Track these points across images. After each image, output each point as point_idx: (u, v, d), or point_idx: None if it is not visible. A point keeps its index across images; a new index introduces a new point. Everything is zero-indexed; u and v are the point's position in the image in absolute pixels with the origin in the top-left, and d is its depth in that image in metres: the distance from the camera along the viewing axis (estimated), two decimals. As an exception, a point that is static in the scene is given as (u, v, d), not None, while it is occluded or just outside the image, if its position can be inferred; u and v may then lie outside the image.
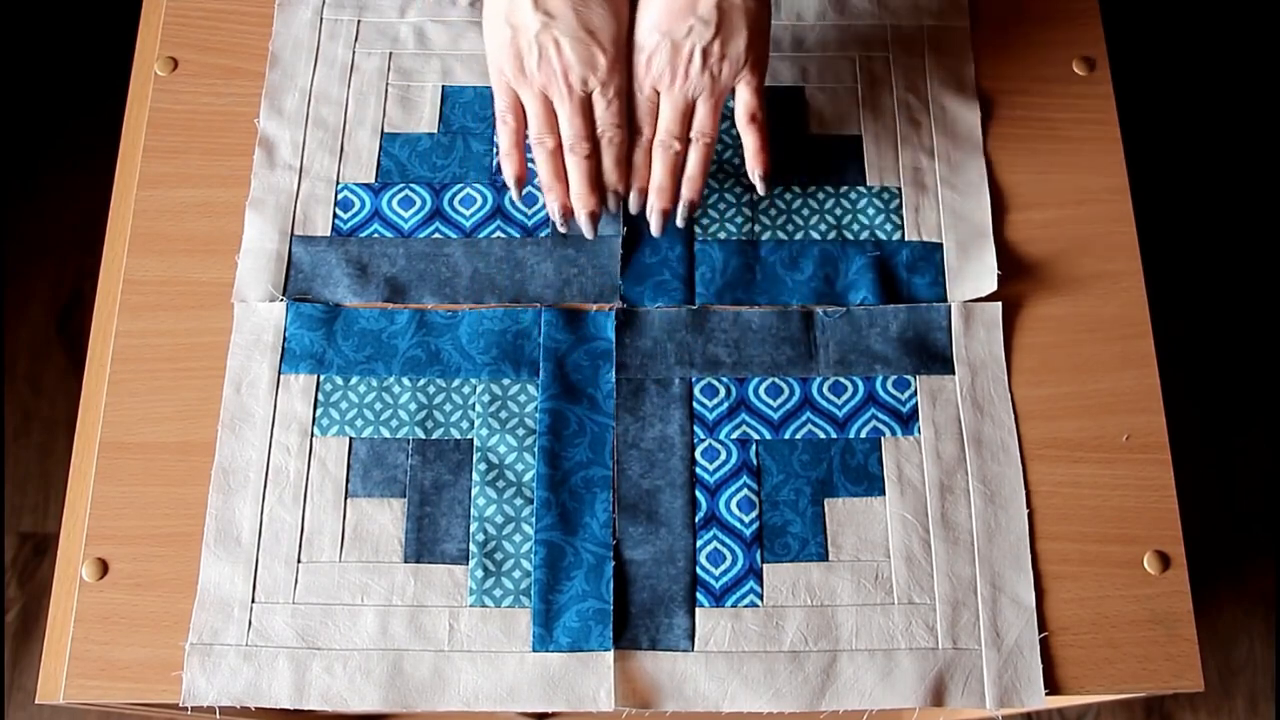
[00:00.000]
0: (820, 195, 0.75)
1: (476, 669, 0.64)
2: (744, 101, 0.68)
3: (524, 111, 0.68)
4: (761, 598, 0.65)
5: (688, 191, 0.69)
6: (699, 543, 0.67)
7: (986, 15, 0.81)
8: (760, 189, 0.69)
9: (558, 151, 0.68)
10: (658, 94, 0.67)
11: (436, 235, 0.74)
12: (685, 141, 0.68)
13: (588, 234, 0.69)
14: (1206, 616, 1.32)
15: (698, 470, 0.68)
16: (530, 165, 0.71)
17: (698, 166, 0.68)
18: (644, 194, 0.69)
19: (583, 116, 0.66)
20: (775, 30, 0.80)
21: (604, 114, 0.66)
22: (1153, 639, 0.65)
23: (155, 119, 0.77)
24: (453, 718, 1.03)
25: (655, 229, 0.69)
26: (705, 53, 0.65)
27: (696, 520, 0.67)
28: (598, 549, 0.66)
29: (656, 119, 0.68)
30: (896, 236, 0.74)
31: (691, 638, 0.64)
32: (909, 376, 0.70)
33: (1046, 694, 0.64)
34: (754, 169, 0.69)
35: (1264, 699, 1.31)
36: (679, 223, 0.70)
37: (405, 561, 0.66)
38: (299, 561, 0.66)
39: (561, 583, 0.65)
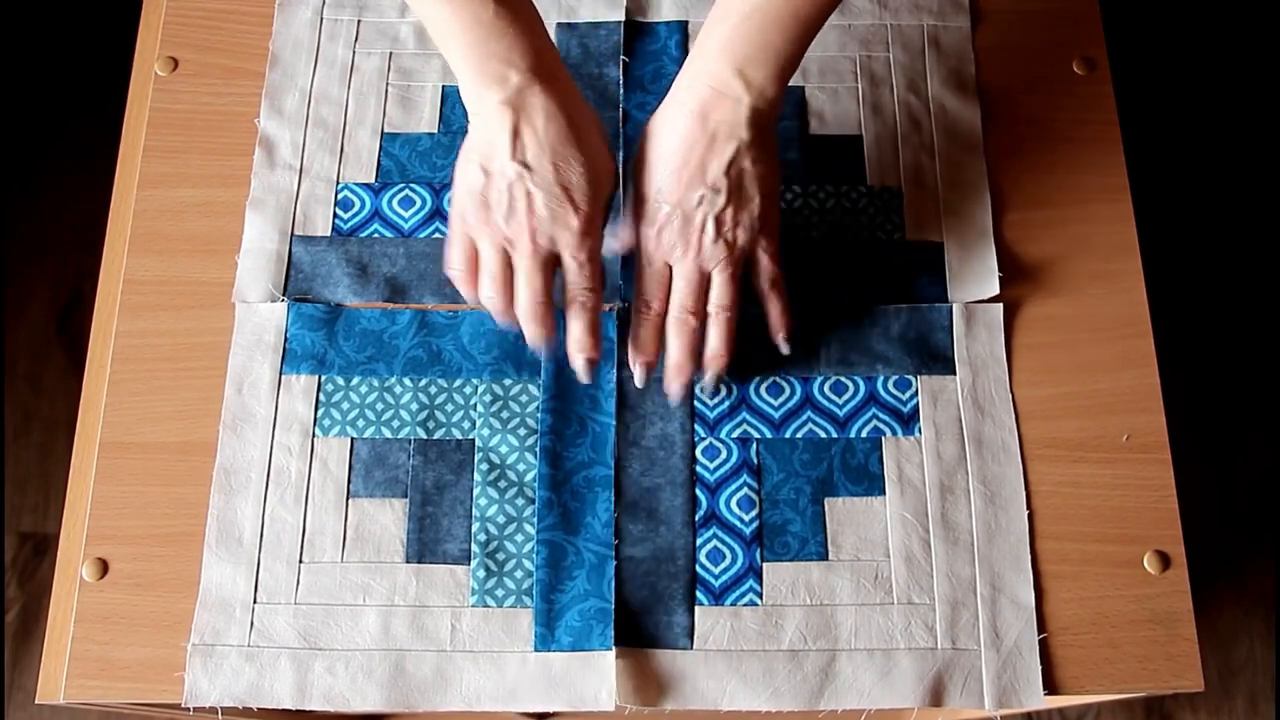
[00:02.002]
0: (820, 195, 0.75)
1: (478, 669, 0.64)
2: (763, 268, 0.65)
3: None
4: (761, 596, 0.65)
5: (713, 367, 0.66)
6: (699, 541, 0.67)
7: (986, 15, 0.81)
8: (784, 350, 0.67)
9: (509, 310, 0.64)
10: (669, 267, 0.64)
11: (437, 235, 0.74)
12: (702, 315, 0.65)
13: (583, 379, 0.66)
14: (1206, 616, 1.32)
15: (698, 469, 0.68)
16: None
17: (721, 342, 0.65)
18: (649, 368, 0.66)
19: (542, 276, 0.62)
20: (775, 30, 0.80)
21: (576, 277, 0.63)
22: (1153, 639, 0.65)
23: (155, 119, 0.77)
24: (454, 718, 1.03)
25: (675, 399, 0.68)
26: (719, 222, 0.62)
27: (696, 519, 0.67)
28: (599, 548, 0.66)
29: (667, 292, 0.65)
30: (897, 236, 0.74)
31: (691, 636, 0.64)
32: (910, 376, 0.70)
33: (1046, 694, 0.64)
34: (778, 333, 0.67)
35: (1264, 699, 1.31)
36: (707, 396, 0.69)
37: (407, 562, 0.66)
38: (301, 562, 0.66)
39: (563, 582, 0.65)
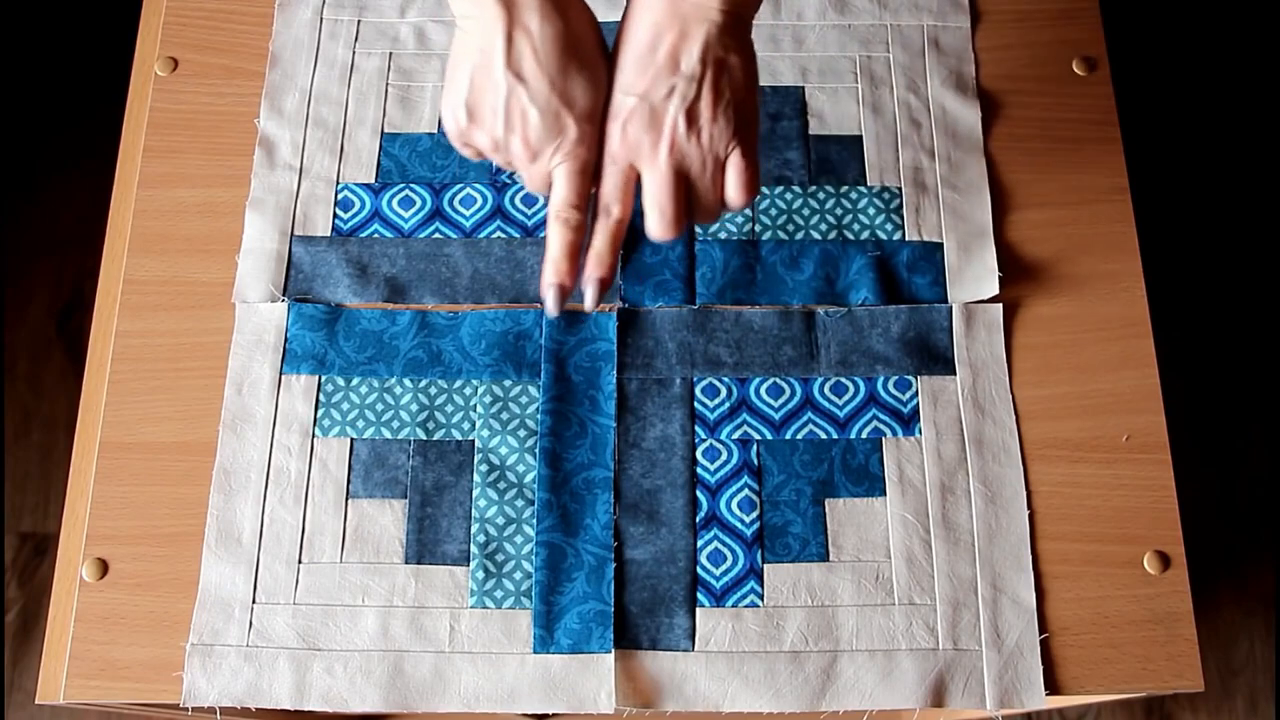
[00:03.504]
0: (820, 195, 0.75)
1: (477, 670, 0.64)
2: (739, 172, 0.58)
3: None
4: (762, 598, 0.65)
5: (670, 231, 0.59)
6: (700, 543, 0.67)
7: (986, 15, 0.81)
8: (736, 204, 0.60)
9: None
10: (634, 169, 0.58)
11: (437, 235, 0.74)
12: (683, 222, 0.59)
13: (550, 310, 0.60)
14: (1206, 616, 1.32)
15: (699, 470, 0.68)
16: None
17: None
18: (604, 284, 0.60)
19: (541, 187, 0.59)
20: (775, 30, 0.80)
21: (563, 190, 0.58)
22: (1153, 639, 0.65)
23: (155, 119, 0.77)
24: (453, 719, 1.03)
25: (592, 303, 0.61)
26: (691, 115, 0.56)
27: (697, 520, 0.67)
28: (599, 550, 0.66)
29: (630, 198, 0.59)
30: (897, 236, 0.74)
31: (692, 638, 0.64)
32: (910, 377, 0.70)
33: (1047, 694, 0.64)
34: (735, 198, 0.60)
35: (1264, 699, 1.31)
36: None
37: (406, 562, 0.66)
38: (300, 562, 0.66)
39: (562, 584, 0.65)
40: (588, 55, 0.57)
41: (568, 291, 0.59)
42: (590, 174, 0.58)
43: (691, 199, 0.59)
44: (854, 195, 0.75)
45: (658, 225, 0.59)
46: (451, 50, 0.58)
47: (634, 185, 0.59)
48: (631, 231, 0.74)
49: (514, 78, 0.55)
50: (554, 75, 0.55)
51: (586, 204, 0.58)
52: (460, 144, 0.60)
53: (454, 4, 0.57)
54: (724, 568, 0.66)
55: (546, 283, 0.59)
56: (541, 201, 0.75)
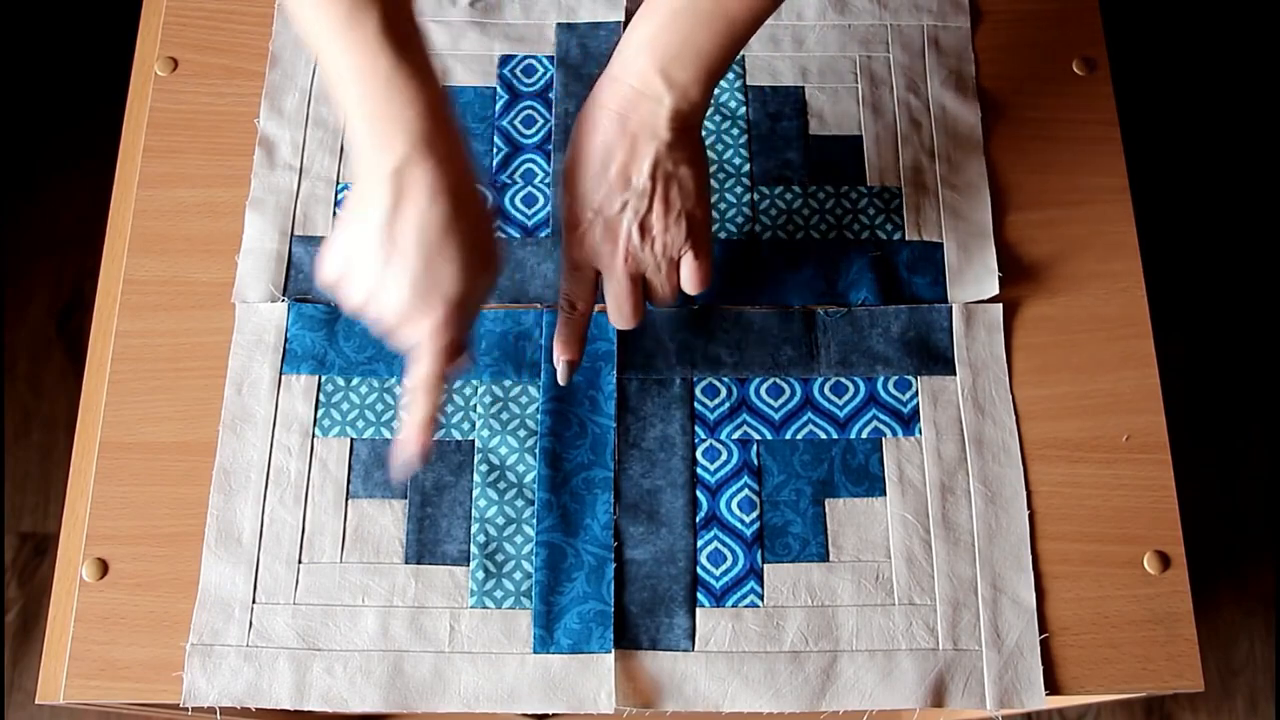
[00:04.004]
0: (820, 195, 0.75)
1: (477, 670, 0.64)
2: (692, 274, 0.63)
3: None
4: (762, 598, 0.65)
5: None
6: (700, 543, 0.67)
7: (986, 15, 0.81)
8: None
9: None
10: (595, 271, 0.63)
11: (437, 235, 0.74)
12: (640, 315, 0.64)
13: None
14: (1206, 616, 1.32)
15: (698, 470, 0.68)
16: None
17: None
18: (573, 366, 0.66)
19: (402, 348, 0.59)
20: (775, 30, 0.80)
21: (423, 366, 0.58)
22: (1153, 639, 0.65)
23: (155, 119, 0.77)
24: (453, 719, 1.03)
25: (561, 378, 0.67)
26: (644, 227, 0.60)
27: (697, 520, 0.67)
28: (599, 550, 0.66)
29: (591, 294, 0.64)
30: (897, 236, 0.74)
31: (692, 638, 0.64)
32: (910, 377, 0.70)
33: (1047, 694, 0.64)
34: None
35: (1264, 699, 1.31)
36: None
37: (406, 562, 0.66)
38: (300, 562, 0.66)
39: (562, 584, 0.65)
40: (473, 242, 0.56)
41: (424, 457, 0.60)
42: (448, 359, 0.58)
43: (648, 293, 0.64)
44: (854, 195, 0.75)
45: (617, 321, 0.64)
46: (345, 201, 0.59)
47: (595, 284, 0.64)
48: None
49: (393, 248, 0.55)
50: (431, 255, 0.55)
51: (441, 385, 0.59)
52: (333, 291, 0.60)
53: (354, 158, 0.57)
54: (724, 568, 0.66)
55: (396, 452, 0.60)
56: (542, 201, 0.75)
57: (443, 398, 0.59)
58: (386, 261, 0.55)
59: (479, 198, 0.58)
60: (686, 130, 0.60)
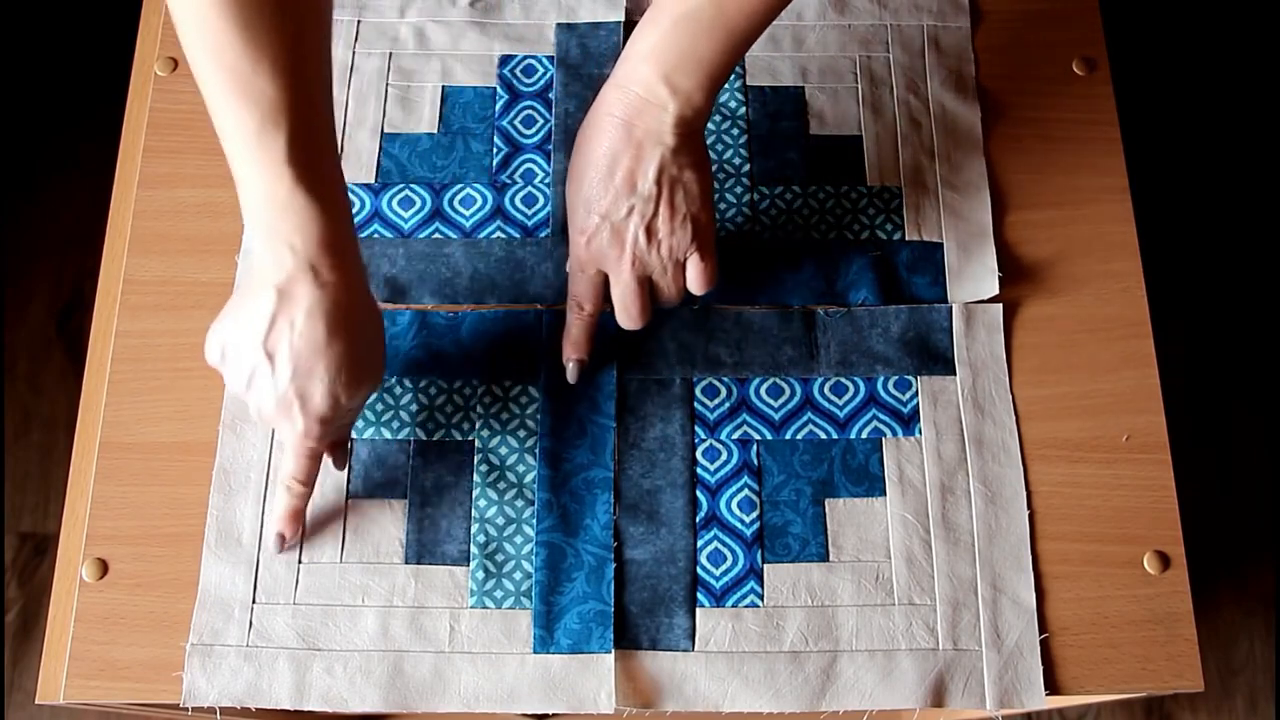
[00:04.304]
0: (820, 195, 0.75)
1: (477, 670, 0.64)
2: (698, 276, 0.64)
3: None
4: (762, 598, 0.65)
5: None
6: (699, 543, 0.67)
7: (986, 15, 0.81)
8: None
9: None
10: (601, 274, 0.65)
11: (436, 235, 0.74)
12: (647, 317, 0.65)
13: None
14: (1206, 616, 1.32)
15: (698, 470, 0.68)
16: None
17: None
18: (582, 364, 0.68)
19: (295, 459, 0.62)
20: (775, 30, 0.80)
21: (288, 465, 0.62)
22: (1153, 639, 0.65)
23: (155, 119, 0.77)
24: (453, 719, 1.03)
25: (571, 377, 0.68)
26: (650, 231, 0.62)
27: (697, 520, 0.67)
28: (598, 550, 0.66)
29: (599, 295, 0.66)
30: (897, 236, 0.74)
31: (692, 638, 0.64)
32: (910, 377, 0.70)
33: (1047, 694, 0.64)
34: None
35: (1264, 699, 1.31)
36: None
37: (406, 563, 0.66)
38: (300, 562, 0.66)
39: (562, 584, 0.65)
40: (343, 362, 0.58)
41: (285, 541, 0.64)
42: (317, 459, 0.62)
43: (654, 294, 0.65)
44: (854, 195, 0.75)
45: (625, 322, 0.66)
46: (239, 283, 0.61)
47: (602, 285, 0.66)
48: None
49: (265, 356, 0.57)
50: (300, 371, 0.57)
51: (311, 481, 0.63)
52: (217, 369, 0.62)
53: (249, 258, 0.59)
54: (724, 568, 0.66)
55: (269, 527, 0.65)
56: (542, 201, 0.75)
57: (309, 494, 0.64)
58: (259, 365, 0.58)
59: (363, 317, 0.60)
60: (691, 135, 0.61)
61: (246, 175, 0.56)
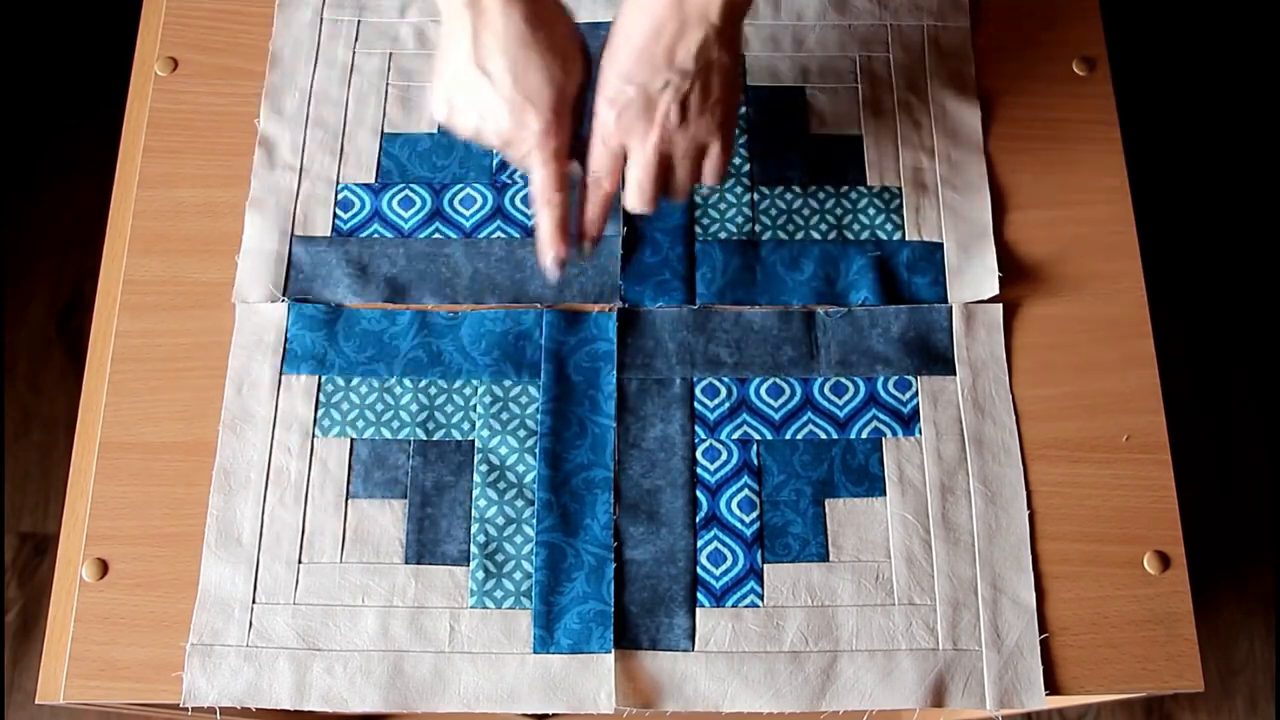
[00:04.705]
0: (820, 195, 0.75)
1: (477, 670, 0.64)
2: (715, 162, 0.64)
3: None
4: (762, 598, 0.65)
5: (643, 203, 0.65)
6: (700, 543, 0.67)
7: (986, 15, 0.81)
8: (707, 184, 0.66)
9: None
10: (624, 147, 0.63)
11: (437, 235, 0.74)
12: (660, 196, 0.65)
13: (551, 277, 0.67)
14: (1206, 616, 1.32)
15: (698, 470, 0.68)
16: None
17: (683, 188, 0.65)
18: (595, 243, 0.66)
19: (523, 167, 0.64)
20: (775, 30, 0.80)
21: (540, 179, 0.63)
22: (1153, 639, 0.65)
23: (155, 119, 0.77)
24: (453, 719, 1.03)
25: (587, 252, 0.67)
26: (683, 107, 0.61)
27: (697, 520, 0.67)
28: (599, 551, 0.66)
29: (619, 171, 0.64)
30: (897, 236, 0.74)
31: (692, 638, 0.64)
32: (910, 377, 0.70)
33: (1047, 694, 0.64)
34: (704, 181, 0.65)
35: (1264, 699, 1.31)
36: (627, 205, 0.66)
37: (406, 563, 0.66)
38: (300, 562, 0.66)
39: (562, 584, 0.65)
40: (555, 45, 0.61)
41: (564, 262, 0.65)
42: (564, 158, 0.63)
43: (667, 181, 0.64)
44: (854, 195, 0.75)
45: (636, 201, 0.64)
46: (439, 41, 0.62)
47: (622, 161, 0.64)
48: (632, 234, 0.74)
49: (480, 73, 0.60)
50: (517, 71, 0.60)
51: (565, 184, 0.63)
52: (449, 127, 0.65)
53: (437, 3, 0.61)
54: (724, 568, 0.66)
55: (543, 255, 0.65)
56: (541, 201, 0.75)
57: (567, 200, 0.63)
58: (479, 88, 0.60)
59: (556, 7, 0.62)
60: (735, 20, 0.60)
61: None
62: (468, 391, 0.70)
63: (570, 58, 0.62)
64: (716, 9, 0.59)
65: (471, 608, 0.65)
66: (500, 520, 0.67)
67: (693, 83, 0.60)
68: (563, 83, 0.61)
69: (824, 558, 0.66)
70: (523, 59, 0.60)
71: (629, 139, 0.63)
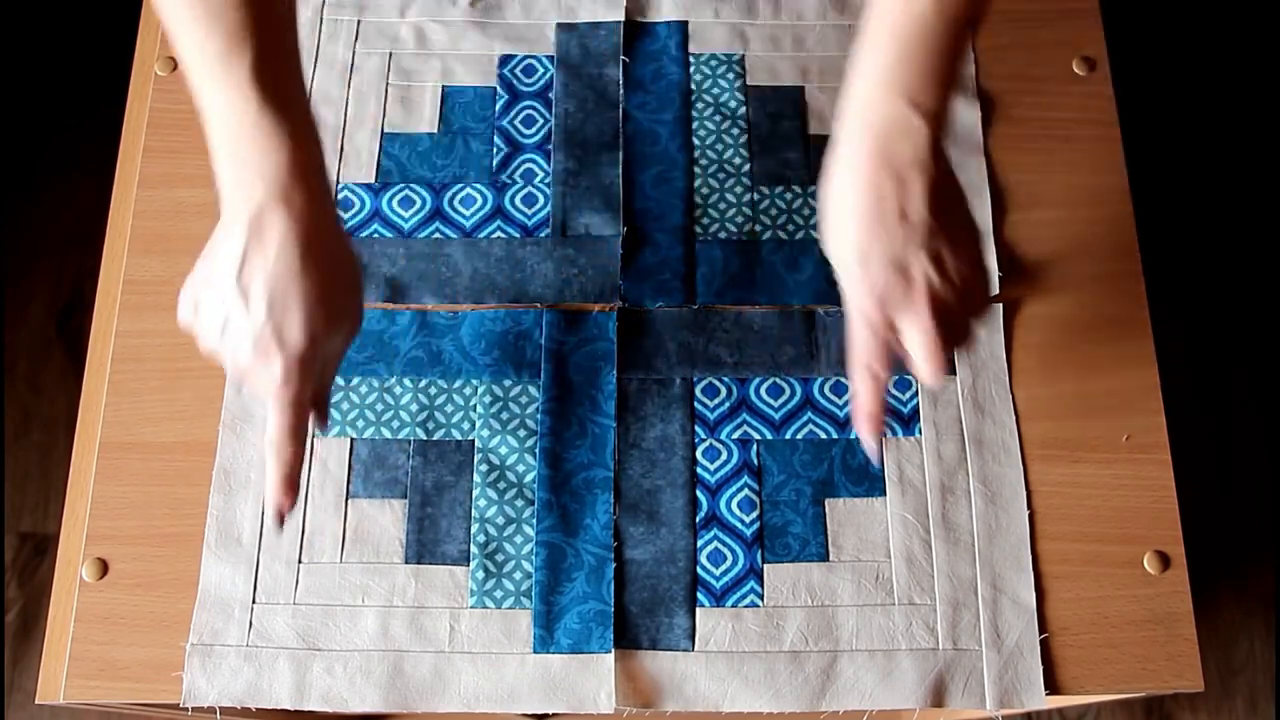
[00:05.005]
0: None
1: (477, 670, 0.64)
2: (980, 293, 0.58)
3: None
4: (762, 598, 0.65)
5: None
6: (700, 543, 0.67)
7: (987, 15, 0.81)
8: (929, 381, 0.58)
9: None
10: (893, 329, 0.56)
11: (436, 235, 0.74)
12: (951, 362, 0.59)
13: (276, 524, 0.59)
14: (1206, 616, 1.32)
15: (699, 470, 0.68)
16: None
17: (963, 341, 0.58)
18: (881, 437, 0.60)
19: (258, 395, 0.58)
20: (775, 30, 0.80)
21: (273, 421, 0.56)
22: (1153, 639, 0.65)
23: (155, 119, 0.77)
24: (453, 719, 1.03)
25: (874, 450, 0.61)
26: (939, 262, 0.55)
27: (697, 520, 0.67)
28: (599, 550, 0.66)
29: (890, 356, 0.57)
30: (897, 237, 0.74)
31: (692, 638, 0.64)
32: (910, 377, 0.70)
33: (1047, 694, 0.64)
34: (943, 356, 0.57)
35: (1264, 699, 1.31)
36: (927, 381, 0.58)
37: (406, 562, 0.66)
38: (300, 562, 0.66)
39: (562, 584, 0.65)
40: (325, 293, 0.55)
41: (284, 516, 0.57)
42: (302, 409, 0.56)
43: (951, 331, 0.57)
44: (854, 195, 0.75)
45: (930, 375, 0.57)
46: (212, 235, 0.57)
47: (893, 344, 0.57)
48: (631, 234, 0.74)
49: (238, 293, 0.54)
50: (275, 306, 0.54)
51: (299, 436, 0.57)
52: (187, 329, 0.59)
53: (219, 197, 0.56)
54: (724, 568, 0.66)
55: (267, 504, 0.57)
56: (542, 200, 0.75)
57: (300, 453, 0.57)
58: (232, 307, 0.55)
59: (338, 250, 0.57)
60: (942, 149, 0.56)
61: (212, 102, 0.54)
62: (468, 391, 0.70)
63: (337, 315, 0.57)
64: (926, 151, 0.55)
65: (471, 608, 0.65)
66: (500, 520, 0.67)
67: (935, 231, 0.55)
68: (320, 335, 0.55)
69: (824, 558, 0.66)
70: (285, 296, 0.54)
71: (897, 314, 0.56)
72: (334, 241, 0.57)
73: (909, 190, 0.55)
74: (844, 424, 0.69)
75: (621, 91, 0.78)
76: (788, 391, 0.70)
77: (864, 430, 0.59)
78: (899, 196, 0.55)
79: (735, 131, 0.77)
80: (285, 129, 0.54)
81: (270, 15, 0.54)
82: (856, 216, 0.55)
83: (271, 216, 0.54)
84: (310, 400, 0.57)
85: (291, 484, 0.57)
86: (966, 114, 0.77)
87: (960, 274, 0.56)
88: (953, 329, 0.57)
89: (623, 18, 0.80)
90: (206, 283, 0.56)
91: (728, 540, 0.67)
